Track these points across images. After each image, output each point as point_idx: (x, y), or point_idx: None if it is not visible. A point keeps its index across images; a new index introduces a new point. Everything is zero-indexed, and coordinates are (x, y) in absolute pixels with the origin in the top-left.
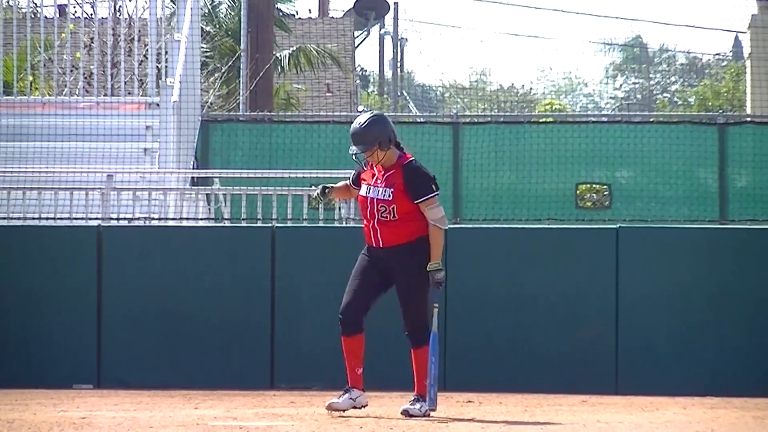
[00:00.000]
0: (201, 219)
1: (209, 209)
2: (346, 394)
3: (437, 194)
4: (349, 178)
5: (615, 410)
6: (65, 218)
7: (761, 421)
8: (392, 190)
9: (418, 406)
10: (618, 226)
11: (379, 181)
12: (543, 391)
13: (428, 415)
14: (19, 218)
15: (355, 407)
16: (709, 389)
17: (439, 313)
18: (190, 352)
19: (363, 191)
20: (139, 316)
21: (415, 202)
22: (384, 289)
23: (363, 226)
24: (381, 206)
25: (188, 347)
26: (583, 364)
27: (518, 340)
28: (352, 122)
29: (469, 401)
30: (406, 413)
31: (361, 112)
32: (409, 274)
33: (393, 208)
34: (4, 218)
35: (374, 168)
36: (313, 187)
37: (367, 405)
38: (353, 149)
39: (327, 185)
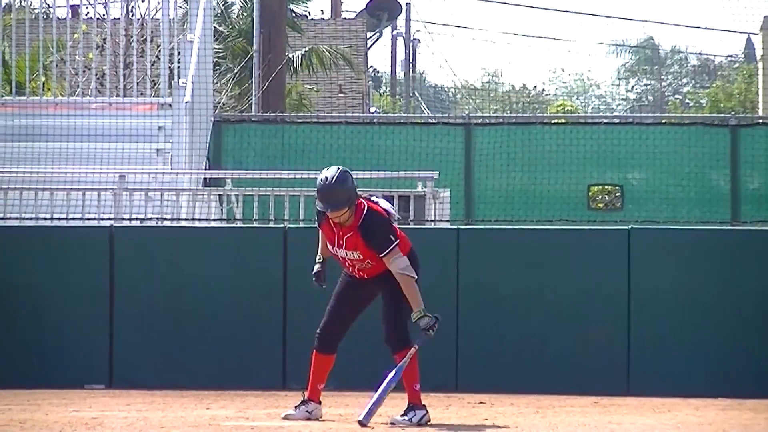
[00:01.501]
0: (213, 220)
1: (221, 210)
2: (303, 406)
3: (396, 243)
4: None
5: (627, 411)
6: (77, 219)
7: None
8: (358, 251)
9: (409, 416)
10: (630, 227)
11: (342, 242)
12: (555, 392)
13: (423, 423)
14: (31, 218)
15: (309, 419)
16: (721, 391)
17: (430, 339)
18: (202, 353)
19: (331, 248)
20: (151, 316)
21: (380, 257)
22: (365, 307)
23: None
24: (356, 262)
25: (200, 347)
26: (594, 365)
27: (530, 341)
28: (364, 123)
29: (481, 402)
30: (393, 423)
31: (373, 113)
32: (390, 287)
33: (368, 262)
34: (17, 218)
35: (332, 223)
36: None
37: (321, 417)
38: (321, 206)
39: (317, 269)
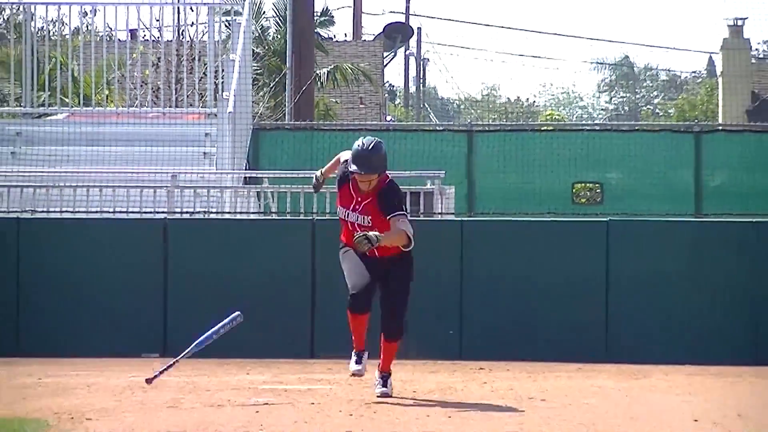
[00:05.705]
0: (252, 213)
1: (259, 205)
2: (363, 357)
3: (406, 213)
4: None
5: (607, 376)
6: (136, 212)
7: (733, 386)
8: (370, 217)
9: (389, 385)
10: (608, 219)
11: (358, 207)
12: (544, 360)
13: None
14: (96, 212)
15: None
16: (688, 358)
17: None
18: (243, 326)
19: (342, 213)
20: (199, 295)
21: (387, 218)
22: (376, 282)
23: (345, 235)
24: (363, 229)
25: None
26: (578, 337)
27: (523, 317)
28: (381, 129)
29: (480, 368)
30: (385, 395)
31: (389, 121)
32: (399, 275)
33: (375, 231)
34: (84, 212)
35: (352, 189)
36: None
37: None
38: (356, 169)
39: (317, 175)
